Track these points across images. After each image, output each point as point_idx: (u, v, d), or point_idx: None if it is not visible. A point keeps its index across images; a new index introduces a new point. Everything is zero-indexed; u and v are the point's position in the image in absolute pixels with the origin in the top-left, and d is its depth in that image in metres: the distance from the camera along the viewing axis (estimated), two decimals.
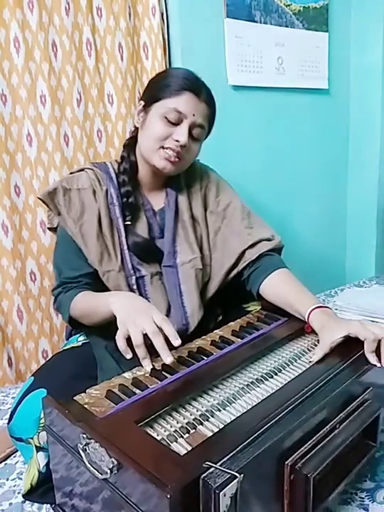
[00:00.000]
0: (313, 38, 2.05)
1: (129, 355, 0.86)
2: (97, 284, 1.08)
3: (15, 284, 1.51)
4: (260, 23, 1.86)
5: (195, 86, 1.05)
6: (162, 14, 1.68)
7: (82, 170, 1.13)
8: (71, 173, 1.14)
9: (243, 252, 1.13)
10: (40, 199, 1.10)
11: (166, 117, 1.02)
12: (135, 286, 1.08)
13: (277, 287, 1.06)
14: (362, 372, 0.80)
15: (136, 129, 1.12)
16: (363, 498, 0.84)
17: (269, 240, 1.14)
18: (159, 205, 1.15)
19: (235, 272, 1.14)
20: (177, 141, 1.02)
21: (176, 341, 0.83)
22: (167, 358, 0.82)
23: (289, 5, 1.94)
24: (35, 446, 0.86)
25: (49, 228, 1.15)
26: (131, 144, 1.14)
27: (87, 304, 1.02)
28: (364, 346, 0.83)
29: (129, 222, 1.08)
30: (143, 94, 1.13)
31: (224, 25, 1.76)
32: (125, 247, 1.07)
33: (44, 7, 1.47)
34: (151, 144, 1.05)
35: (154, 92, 1.06)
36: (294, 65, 2.01)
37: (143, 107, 1.08)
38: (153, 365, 0.85)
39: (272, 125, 2.01)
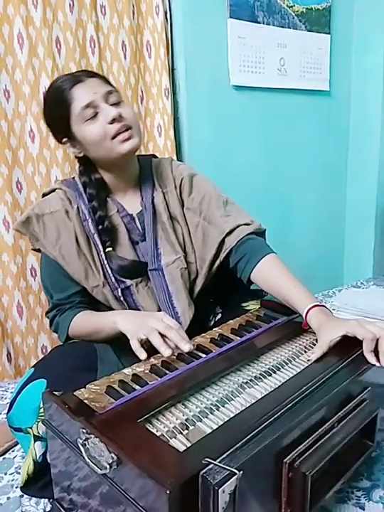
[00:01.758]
0: (315, 39, 2.06)
1: (143, 355, 0.88)
2: (89, 299, 1.10)
3: (15, 280, 1.52)
4: (263, 24, 1.86)
5: (71, 79, 1.02)
6: (166, 13, 1.69)
7: (53, 191, 1.12)
8: (43, 195, 1.14)
9: (222, 241, 1.11)
10: (16, 230, 1.10)
11: (87, 120, 1.00)
12: (122, 298, 1.09)
13: (269, 276, 1.05)
14: (361, 371, 0.80)
15: (80, 159, 1.10)
16: (360, 497, 0.84)
17: (247, 224, 1.12)
18: (136, 208, 1.13)
19: (217, 262, 1.13)
20: (112, 119, 1.00)
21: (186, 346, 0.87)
22: (185, 345, 0.86)
23: (291, 6, 1.95)
24: (33, 435, 0.86)
25: (33, 249, 1.14)
26: (86, 172, 1.11)
27: (88, 324, 1.04)
28: (363, 346, 0.83)
29: (109, 249, 1.08)
30: (56, 135, 1.09)
31: (227, 25, 1.77)
32: (105, 261, 1.07)
33: (48, 3, 1.48)
34: (104, 146, 1.02)
35: (60, 121, 1.04)
36: (295, 66, 2.02)
37: (68, 140, 1.06)
38: (152, 362, 0.86)
39: (273, 126, 2.02)
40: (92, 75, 1.05)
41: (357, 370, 0.81)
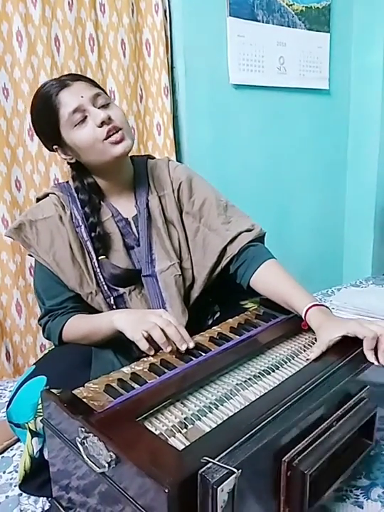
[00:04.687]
0: (315, 38, 2.06)
1: (152, 351, 0.89)
2: (82, 305, 1.08)
3: (14, 279, 1.52)
4: (262, 22, 1.86)
5: (57, 84, 1.00)
6: (165, 11, 1.69)
7: (46, 195, 1.10)
8: (37, 199, 1.12)
9: (224, 249, 1.10)
10: (7, 237, 1.08)
11: (76, 125, 0.99)
12: (115, 306, 1.08)
13: (268, 281, 1.05)
14: (359, 370, 0.80)
15: (73, 165, 1.08)
16: (358, 496, 0.84)
17: (249, 230, 1.12)
18: (131, 212, 1.11)
19: (218, 269, 1.12)
20: (101, 123, 0.98)
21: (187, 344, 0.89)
22: (182, 345, 0.88)
23: (291, 5, 1.94)
24: (31, 430, 0.86)
25: (29, 255, 1.11)
26: (78, 177, 1.08)
27: (84, 326, 1.03)
28: (363, 344, 0.83)
29: (102, 256, 1.06)
30: (46, 142, 1.07)
31: (226, 23, 1.77)
32: (97, 269, 1.06)
33: (47, 1, 1.48)
34: (96, 149, 1.00)
35: (49, 128, 1.02)
36: (295, 64, 2.01)
37: (58, 147, 1.05)
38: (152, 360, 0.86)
39: (272, 124, 2.01)
40: (78, 77, 1.03)
41: (355, 368, 0.81)
